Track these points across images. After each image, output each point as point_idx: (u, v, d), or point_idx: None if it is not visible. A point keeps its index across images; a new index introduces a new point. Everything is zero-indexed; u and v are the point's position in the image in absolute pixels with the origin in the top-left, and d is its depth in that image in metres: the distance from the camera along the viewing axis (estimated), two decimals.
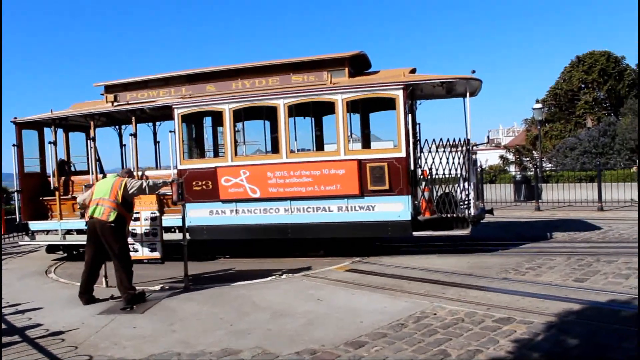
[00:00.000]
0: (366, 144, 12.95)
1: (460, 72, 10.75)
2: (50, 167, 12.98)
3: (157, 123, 13.95)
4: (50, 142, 12.48)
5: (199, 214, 10.95)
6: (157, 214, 8.77)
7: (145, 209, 8.80)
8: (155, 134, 14.12)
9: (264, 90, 11.02)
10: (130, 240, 8.59)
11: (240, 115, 11.66)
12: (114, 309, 7.54)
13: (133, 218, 8.51)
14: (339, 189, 10.25)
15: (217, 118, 13.03)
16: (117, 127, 14.08)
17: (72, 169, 13.52)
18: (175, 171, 11.17)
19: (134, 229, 8.71)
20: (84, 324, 6.84)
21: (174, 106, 11.20)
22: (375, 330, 5.95)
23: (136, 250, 8.73)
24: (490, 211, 11.90)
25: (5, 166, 12.71)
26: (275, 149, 13.35)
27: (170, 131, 11.22)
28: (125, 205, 8.02)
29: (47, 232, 12.77)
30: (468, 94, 10.43)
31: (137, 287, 8.11)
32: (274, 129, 13.67)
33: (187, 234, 9.63)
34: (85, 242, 11.40)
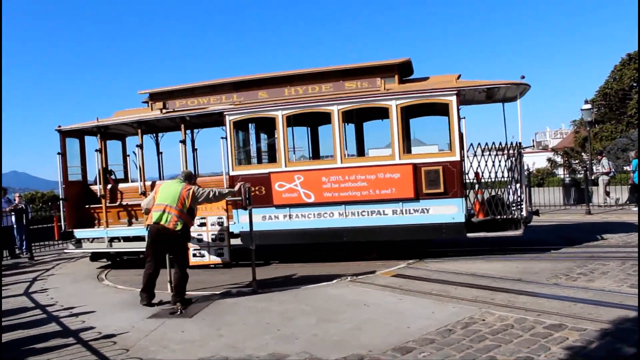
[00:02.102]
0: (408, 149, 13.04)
1: (502, 76, 11.05)
2: (95, 175, 13.14)
3: (195, 130, 14.18)
4: (96, 150, 12.62)
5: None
6: (224, 219, 8.95)
7: (212, 214, 8.98)
8: (193, 141, 14.27)
9: (318, 97, 11.18)
10: (196, 245, 8.84)
11: (290, 122, 11.79)
12: (164, 313, 7.69)
13: (200, 224, 8.80)
14: (394, 192, 10.44)
15: (262, 125, 13.19)
16: (154, 135, 14.22)
17: (113, 177, 13.67)
18: (227, 177, 11.33)
19: (200, 235, 8.90)
20: (134, 328, 7.01)
21: (225, 113, 11.35)
22: (422, 336, 5.91)
23: (202, 256, 8.93)
24: (536, 212, 12.06)
25: (51, 174, 13.00)
26: (315, 154, 13.57)
27: (222, 138, 11.38)
28: (190, 213, 8.27)
29: (92, 240, 12.82)
30: (519, 100, 10.87)
31: (202, 292, 8.28)
32: (315, 135, 13.85)
33: (239, 240, 9.73)
34: (130, 250, 11.69)
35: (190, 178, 8.74)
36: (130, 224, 12.46)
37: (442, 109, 11.10)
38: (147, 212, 8.42)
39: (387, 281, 8.95)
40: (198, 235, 8.92)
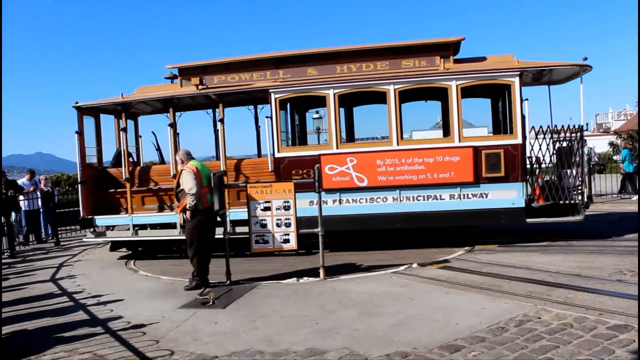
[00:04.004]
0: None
1: (557, 58, 11.21)
2: (113, 156, 13.22)
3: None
4: (121, 129, 12.46)
5: (298, 205, 10.98)
6: (291, 202, 8.96)
7: (277, 197, 8.98)
8: (214, 122, 14.06)
9: (372, 75, 11.19)
10: (259, 230, 8.97)
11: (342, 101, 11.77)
12: (195, 303, 7.82)
13: (263, 208, 8.97)
14: (453, 176, 10.62)
15: (305, 104, 13.19)
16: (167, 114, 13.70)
17: (131, 159, 13.32)
18: (271, 159, 11.33)
19: (264, 220, 8.97)
20: (164, 318, 7.14)
21: (271, 90, 11.35)
22: (472, 333, 5.85)
23: (266, 242, 9.01)
24: (590, 199, 12.43)
25: (69, 154, 12.85)
26: (350, 136, 13.73)
27: (267, 117, 11.41)
28: None
29: (113, 227, 12.65)
30: (581, 81, 10.94)
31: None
32: (349, 116, 13.88)
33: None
34: (160, 238, 12.00)
35: (190, 156, 9.29)
36: (161, 209, 12.38)
37: (499, 90, 11.09)
38: (198, 197, 8.72)
39: (434, 273, 8.89)
40: (262, 220, 8.97)
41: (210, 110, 14.05)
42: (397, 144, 10.86)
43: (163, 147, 14.17)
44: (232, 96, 12.10)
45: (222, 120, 11.76)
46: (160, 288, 9.04)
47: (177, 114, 13.34)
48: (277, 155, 11.31)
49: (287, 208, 8.95)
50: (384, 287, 8.20)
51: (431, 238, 11.20)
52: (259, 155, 14.30)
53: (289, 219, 8.97)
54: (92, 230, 12.37)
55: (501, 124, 12.46)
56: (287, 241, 8.98)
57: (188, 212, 8.67)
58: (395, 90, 10.83)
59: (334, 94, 11.05)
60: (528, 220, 10.59)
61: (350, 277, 9.00)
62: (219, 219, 9.23)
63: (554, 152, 11.03)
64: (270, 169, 11.33)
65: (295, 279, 9.04)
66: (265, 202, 8.96)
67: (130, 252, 12.85)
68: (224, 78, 12.04)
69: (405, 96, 13.01)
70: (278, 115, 11.37)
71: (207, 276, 8.83)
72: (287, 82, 11.49)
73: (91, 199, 12.47)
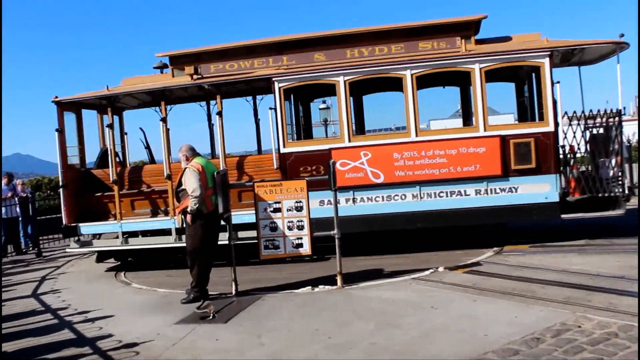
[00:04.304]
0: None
1: (581, 35, 11.19)
2: (97, 157, 13.11)
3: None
4: (107, 126, 12.29)
5: None
6: (303, 202, 8.89)
7: (288, 197, 8.92)
8: (209, 115, 14.24)
9: (387, 59, 11.17)
10: (269, 234, 8.92)
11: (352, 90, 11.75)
12: (193, 317, 7.80)
13: (273, 209, 8.91)
14: (478, 169, 10.61)
15: (311, 93, 13.15)
16: (158, 107, 13.41)
17: (118, 159, 13.17)
18: (276, 155, 11.29)
19: (274, 222, 8.93)
20: (159, 335, 7.12)
21: (274, 78, 11.29)
22: (504, 345, 5.80)
23: (277, 247, 8.95)
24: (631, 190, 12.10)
25: (50, 154, 12.59)
26: (359, 128, 13.70)
27: (270, 108, 11.35)
28: None
29: (99, 236, 12.57)
30: (618, 61, 10.91)
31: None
32: (358, 106, 13.89)
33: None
34: (153, 246, 11.87)
35: (195, 152, 9.18)
36: (155, 214, 12.25)
37: (524, 73, 11.03)
38: (201, 198, 8.59)
39: (459, 279, 8.84)
40: (271, 223, 8.92)
41: (204, 103, 14.04)
42: (416, 135, 10.82)
43: (152, 144, 14.12)
44: (230, 86, 12.06)
45: (220, 114, 11.66)
46: (154, 302, 9.03)
47: (167, 107, 13.02)
48: (282, 150, 11.26)
49: (299, 209, 8.88)
50: (404, 294, 8.16)
51: (455, 239, 11.16)
52: (259, 151, 14.27)
53: (301, 220, 8.89)
54: (76, 239, 12.27)
55: (528, 110, 12.41)
56: (300, 246, 8.92)
57: (189, 216, 8.56)
58: (412, 75, 10.79)
59: (345, 81, 11.00)
60: (563, 216, 10.55)
61: (367, 284, 8.96)
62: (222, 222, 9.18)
63: (588, 139, 10.99)
64: (275, 166, 11.28)
65: (309, 287, 9.00)
66: (275, 202, 8.89)
67: (119, 262, 12.74)
68: (222, 66, 11.98)
69: (421, 82, 13.02)
70: (283, 106, 11.32)
71: (206, 287, 8.78)
72: (292, 69, 11.44)
73: (74, 205, 12.31)
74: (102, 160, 12.97)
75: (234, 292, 8.88)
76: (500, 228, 11.38)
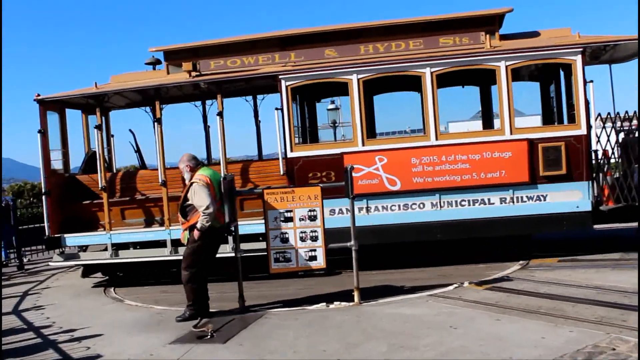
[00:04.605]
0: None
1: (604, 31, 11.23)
2: (92, 160, 12.98)
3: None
4: (95, 127, 12.24)
5: None
6: (317, 211, 8.88)
7: (300, 205, 8.92)
8: (204, 116, 14.33)
9: (404, 56, 11.23)
10: (280, 246, 8.94)
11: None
12: (190, 336, 7.85)
13: (284, 219, 8.95)
14: (504, 176, 10.63)
15: (320, 92, 13.18)
16: (149, 107, 13.69)
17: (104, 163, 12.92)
18: (283, 161, 11.32)
19: (286, 233, 8.95)
20: (152, 356, 7.19)
21: (281, 76, 11.33)
22: None
23: (288, 260, 8.97)
24: None
25: (33, 158, 12.36)
26: (370, 132, 13.65)
27: (277, 109, 11.37)
28: None
29: (86, 248, 12.56)
30: None
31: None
32: (368, 107, 13.92)
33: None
34: (146, 259, 11.93)
35: (198, 162, 9.22)
36: (149, 224, 12.29)
37: (551, 72, 11.03)
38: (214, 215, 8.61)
39: (480, 296, 8.87)
40: (282, 233, 8.94)
41: (198, 103, 14.07)
42: (436, 139, 10.85)
43: (143, 147, 14.13)
44: (232, 85, 12.10)
45: (220, 114, 11.66)
46: (146, 319, 9.08)
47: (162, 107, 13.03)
48: (290, 155, 11.28)
49: (313, 218, 8.88)
50: (419, 312, 8.20)
51: (477, 251, 11.20)
52: (260, 156, 14.27)
53: (315, 231, 8.90)
54: (60, 251, 12.27)
55: (555, 111, 12.42)
56: (313, 258, 8.92)
57: (197, 232, 8.54)
58: (432, 73, 10.84)
59: (359, 80, 11.04)
60: (596, 226, 10.57)
61: (383, 301, 9.00)
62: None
63: (619, 144, 11.03)
64: (281, 172, 11.34)
65: (323, 304, 9.02)
66: (287, 211, 8.89)
67: (107, 278, 12.65)
68: (223, 63, 11.99)
69: (440, 81, 13.07)
70: (290, 106, 11.36)
71: (207, 303, 8.84)
72: (300, 66, 11.47)
73: (59, 213, 12.29)
74: (88, 165, 13.00)
75: (240, 308, 8.93)
76: (527, 240, 11.41)
